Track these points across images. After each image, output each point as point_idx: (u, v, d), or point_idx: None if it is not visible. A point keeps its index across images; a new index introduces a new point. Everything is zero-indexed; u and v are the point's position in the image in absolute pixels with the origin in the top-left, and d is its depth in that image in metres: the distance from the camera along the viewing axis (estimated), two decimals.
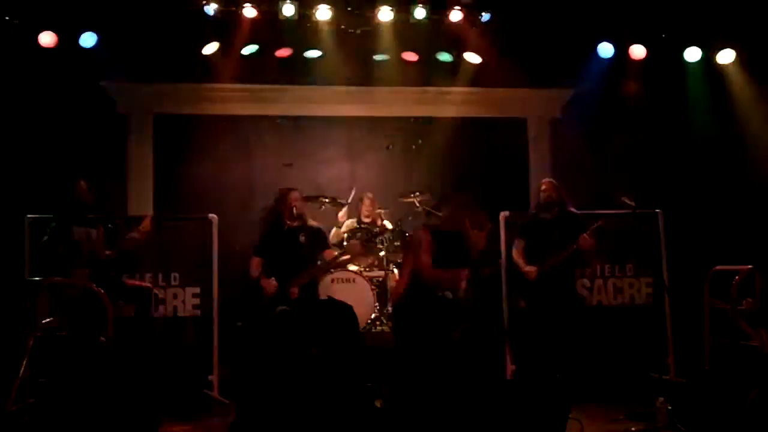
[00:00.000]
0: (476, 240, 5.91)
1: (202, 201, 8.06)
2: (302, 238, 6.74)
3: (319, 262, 6.88)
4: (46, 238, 6.38)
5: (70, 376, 3.66)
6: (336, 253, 6.96)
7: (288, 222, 6.72)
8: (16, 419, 5.46)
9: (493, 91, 9.23)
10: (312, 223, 7.01)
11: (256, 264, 6.74)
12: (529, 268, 6.73)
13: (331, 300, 3.09)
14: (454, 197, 6.41)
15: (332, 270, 7.39)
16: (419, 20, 8.08)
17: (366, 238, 7.20)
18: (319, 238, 6.92)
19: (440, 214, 7.23)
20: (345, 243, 8.24)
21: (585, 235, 6.62)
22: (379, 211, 8.48)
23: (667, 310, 7.41)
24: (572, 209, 6.88)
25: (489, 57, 8.40)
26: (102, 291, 5.89)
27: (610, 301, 7.65)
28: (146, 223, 6.59)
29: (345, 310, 2.98)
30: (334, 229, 8.47)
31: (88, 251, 6.43)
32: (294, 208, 6.73)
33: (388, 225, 8.32)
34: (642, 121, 9.07)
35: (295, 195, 6.80)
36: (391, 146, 9.25)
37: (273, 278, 6.57)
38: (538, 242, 6.82)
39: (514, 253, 6.96)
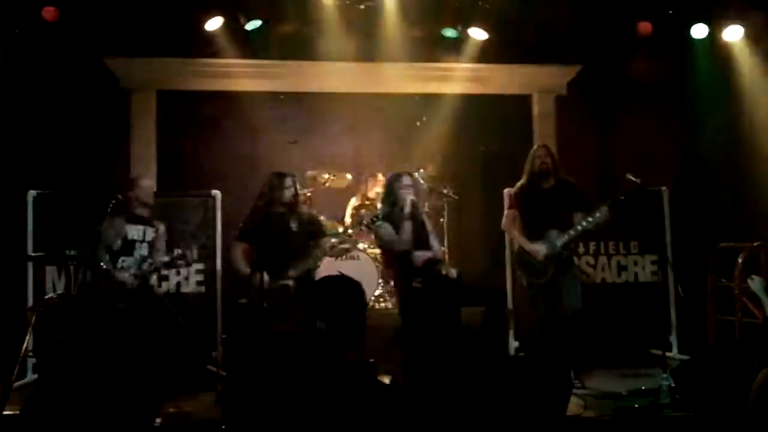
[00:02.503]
0: None
1: (206, 177, 8.05)
2: (293, 226, 6.39)
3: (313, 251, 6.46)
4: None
5: (77, 349, 3.66)
6: (333, 241, 6.64)
7: (278, 208, 6.35)
8: (19, 394, 5.48)
9: (498, 67, 9.16)
10: (305, 210, 6.75)
11: (242, 252, 6.35)
12: (539, 249, 6.35)
13: (341, 275, 3.06)
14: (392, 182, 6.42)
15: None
16: None
17: (368, 220, 6.88)
18: (312, 226, 6.57)
19: (445, 192, 7.16)
20: (349, 220, 8.26)
21: (603, 207, 6.23)
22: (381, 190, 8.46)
23: (670, 287, 7.40)
24: (567, 177, 6.60)
25: (494, 33, 8.32)
26: (103, 265, 5.87)
27: (614, 278, 7.65)
28: None
29: (354, 286, 2.97)
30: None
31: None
32: (284, 196, 6.35)
33: None
34: (648, 97, 9.02)
35: (283, 183, 6.40)
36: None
37: (264, 272, 5.93)
38: (535, 214, 6.47)
39: (509, 226, 6.63)
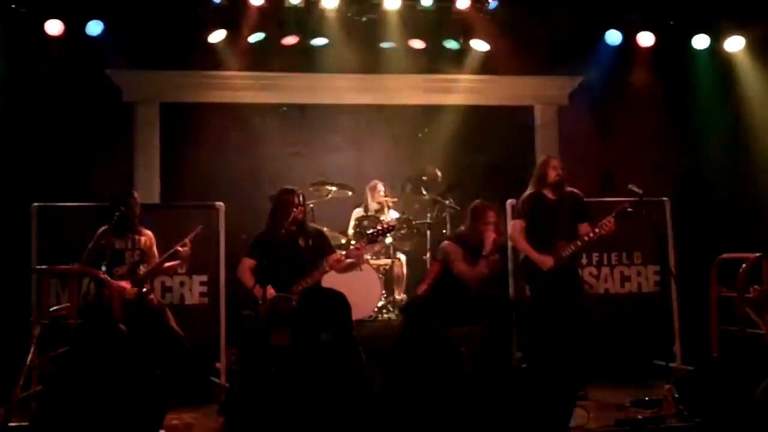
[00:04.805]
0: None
1: (209, 189, 8.06)
2: (301, 243, 6.36)
3: (321, 267, 6.39)
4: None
5: (81, 362, 3.67)
6: (341, 255, 6.47)
7: (285, 226, 6.28)
8: (23, 406, 5.49)
9: (500, 78, 9.19)
10: (312, 225, 6.71)
11: (247, 268, 6.31)
12: (546, 259, 6.32)
13: (323, 288, 3.07)
14: (478, 213, 6.52)
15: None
16: (426, 8, 8.05)
17: (372, 233, 6.82)
18: (321, 242, 6.51)
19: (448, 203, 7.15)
20: (352, 231, 8.25)
21: (610, 218, 6.23)
22: (385, 199, 8.45)
23: (674, 297, 7.39)
24: (572, 188, 6.61)
25: (496, 44, 8.35)
26: (109, 279, 5.88)
27: (617, 289, 7.64)
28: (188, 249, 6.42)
29: (340, 298, 2.96)
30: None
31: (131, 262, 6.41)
32: (292, 214, 6.27)
33: (394, 214, 8.30)
34: (649, 108, 9.04)
35: (293, 199, 6.34)
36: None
37: (269, 286, 5.88)
38: (542, 224, 6.45)
39: (516, 236, 6.56)
